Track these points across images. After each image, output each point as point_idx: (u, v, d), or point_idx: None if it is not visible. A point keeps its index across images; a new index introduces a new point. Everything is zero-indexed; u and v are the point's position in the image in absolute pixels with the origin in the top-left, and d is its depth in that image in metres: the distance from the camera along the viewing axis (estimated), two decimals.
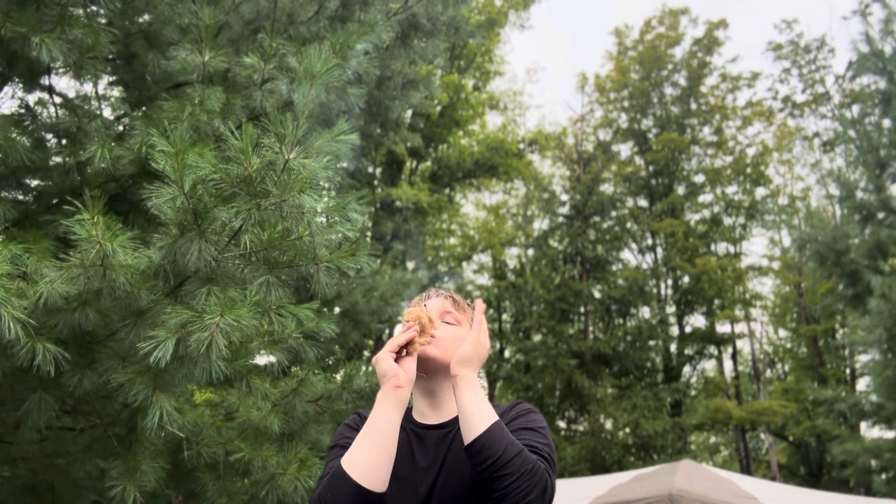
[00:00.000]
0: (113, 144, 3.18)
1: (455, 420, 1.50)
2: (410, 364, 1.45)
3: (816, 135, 23.01)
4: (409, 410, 1.60)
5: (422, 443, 1.50)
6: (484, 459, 1.27)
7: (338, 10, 4.71)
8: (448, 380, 1.53)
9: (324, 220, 2.55)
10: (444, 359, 1.51)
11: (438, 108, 17.89)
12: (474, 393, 1.37)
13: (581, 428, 19.06)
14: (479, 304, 1.49)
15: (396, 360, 1.44)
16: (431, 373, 1.54)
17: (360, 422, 1.51)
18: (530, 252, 22.02)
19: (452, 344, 1.52)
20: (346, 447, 1.39)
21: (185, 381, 2.69)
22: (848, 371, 20.52)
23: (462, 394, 1.37)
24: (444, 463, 1.44)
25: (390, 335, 13.82)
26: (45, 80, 3.58)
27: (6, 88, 3.57)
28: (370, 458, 1.32)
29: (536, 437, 1.41)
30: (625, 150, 24.01)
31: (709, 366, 24.16)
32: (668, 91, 23.35)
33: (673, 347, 21.22)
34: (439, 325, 1.56)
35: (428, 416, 1.55)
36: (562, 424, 19.34)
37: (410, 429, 1.54)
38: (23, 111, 3.61)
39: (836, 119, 21.42)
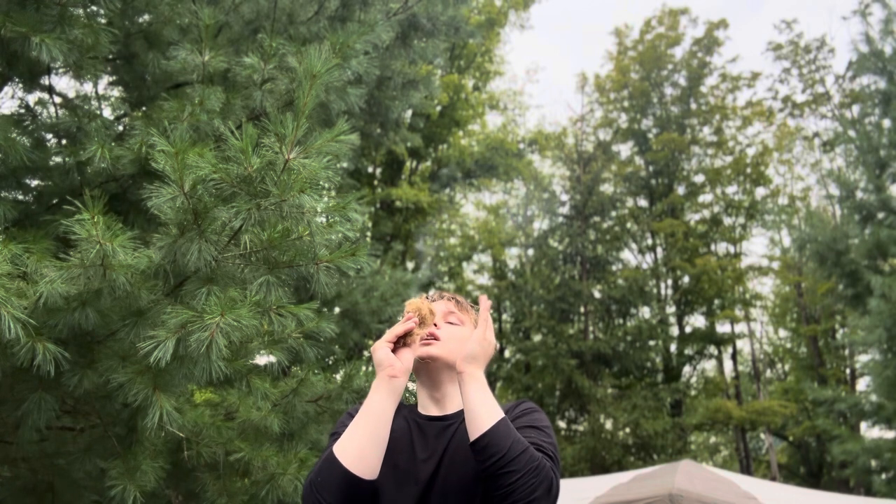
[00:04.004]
0: (113, 144, 3.18)
1: (458, 414, 1.51)
2: (407, 355, 1.46)
3: (816, 135, 23.02)
4: (413, 405, 1.62)
5: (423, 434, 1.51)
6: (489, 456, 1.27)
7: (338, 10, 4.70)
8: (451, 379, 1.55)
9: (324, 220, 2.54)
10: (448, 358, 1.52)
11: (438, 108, 17.87)
12: (480, 390, 1.37)
13: (581, 428, 19.06)
14: (485, 301, 1.51)
15: (394, 351, 1.45)
16: (435, 372, 1.55)
17: None
18: (530, 252, 22.02)
19: (456, 343, 1.53)
20: None
21: (185, 381, 2.69)
22: (848, 371, 20.52)
23: (468, 390, 1.38)
24: (445, 455, 1.45)
25: None
26: (45, 80, 3.58)
27: (6, 88, 3.57)
28: (361, 445, 1.33)
29: (541, 436, 1.42)
30: (625, 150, 24.03)
31: (709, 366, 24.18)
32: (668, 91, 23.35)
33: (673, 347, 21.21)
34: (443, 325, 1.57)
35: (431, 410, 1.57)
36: (562, 424, 19.34)
37: (413, 420, 1.55)
38: (23, 111, 3.61)
39: (836, 119, 21.42)
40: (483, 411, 1.33)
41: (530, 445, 1.31)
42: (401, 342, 1.47)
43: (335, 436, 1.46)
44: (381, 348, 1.43)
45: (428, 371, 1.56)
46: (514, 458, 1.26)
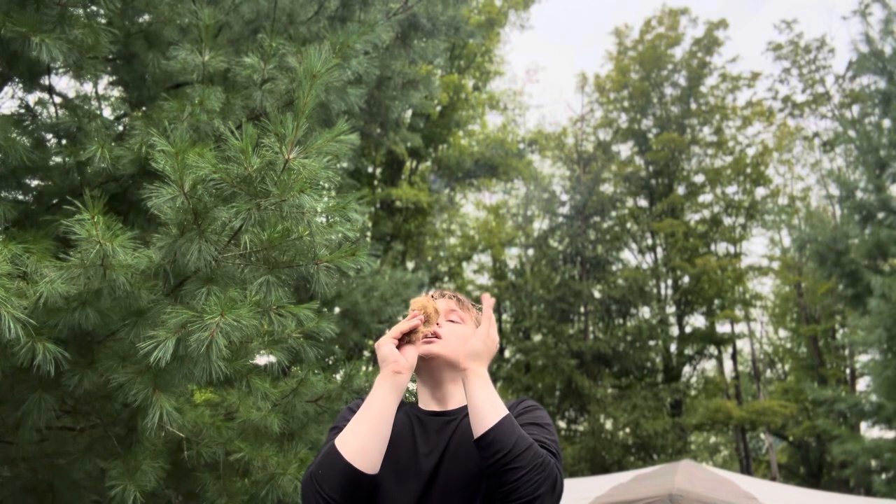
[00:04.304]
0: (113, 144, 3.18)
1: (459, 410, 1.51)
2: (411, 352, 1.46)
3: (816, 135, 23.02)
4: (414, 402, 1.62)
5: (424, 429, 1.51)
6: (494, 453, 1.27)
7: (338, 10, 4.70)
8: (453, 378, 1.55)
9: (324, 220, 2.54)
10: (450, 356, 1.52)
11: (438, 108, 17.87)
12: (484, 386, 1.37)
13: (581, 428, 19.05)
14: (488, 299, 1.50)
15: (398, 347, 1.45)
16: (437, 371, 1.55)
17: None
18: (530, 252, 22.02)
19: (457, 342, 1.54)
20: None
21: (185, 381, 2.68)
22: (848, 371, 20.52)
23: (472, 387, 1.37)
24: (447, 450, 1.44)
25: None
26: (45, 80, 3.58)
27: (6, 88, 3.57)
28: (364, 439, 1.32)
29: (544, 433, 1.41)
30: (625, 150, 24.03)
31: (709, 366, 24.18)
32: (668, 91, 23.35)
33: (673, 347, 21.21)
34: (444, 323, 1.58)
35: (432, 407, 1.57)
36: (562, 424, 19.34)
37: (414, 415, 1.55)
38: (23, 111, 3.61)
39: (836, 119, 21.42)
40: (488, 408, 1.32)
41: (534, 443, 1.31)
42: (405, 339, 1.47)
43: (335, 430, 1.45)
44: (385, 344, 1.44)
45: (429, 369, 1.56)
46: (518, 455, 1.25)
